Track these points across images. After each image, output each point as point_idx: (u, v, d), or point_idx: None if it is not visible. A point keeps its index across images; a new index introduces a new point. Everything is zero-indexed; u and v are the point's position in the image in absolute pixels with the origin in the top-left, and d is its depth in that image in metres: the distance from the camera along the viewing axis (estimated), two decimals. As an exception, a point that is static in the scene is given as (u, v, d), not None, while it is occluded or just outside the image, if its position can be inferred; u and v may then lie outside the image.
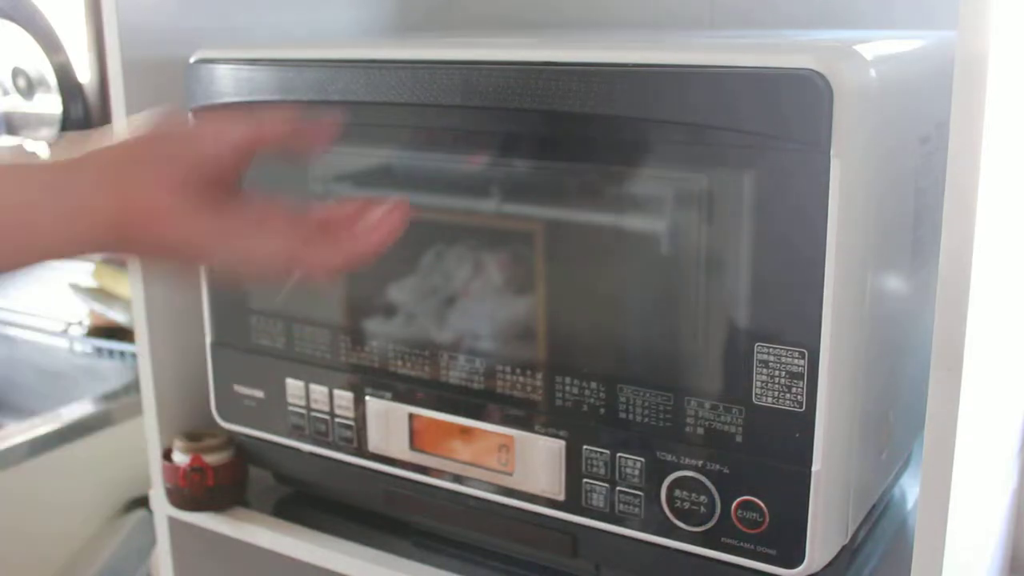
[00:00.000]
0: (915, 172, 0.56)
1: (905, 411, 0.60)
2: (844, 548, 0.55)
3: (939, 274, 0.45)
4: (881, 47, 0.52)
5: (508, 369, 0.59)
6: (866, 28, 0.74)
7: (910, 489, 0.69)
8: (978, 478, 0.55)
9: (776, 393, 0.51)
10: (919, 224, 0.57)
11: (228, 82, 0.65)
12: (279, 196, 0.50)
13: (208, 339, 0.72)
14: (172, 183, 0.46)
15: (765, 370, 0.51)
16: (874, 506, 0.60)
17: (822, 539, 0.52)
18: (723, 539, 0.54)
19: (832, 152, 0.47)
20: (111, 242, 0.46)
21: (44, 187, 0.46)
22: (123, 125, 0.68)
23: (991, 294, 0.49)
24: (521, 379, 0.59)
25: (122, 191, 0.46)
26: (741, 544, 0.53)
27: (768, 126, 0.49)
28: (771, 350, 0.51)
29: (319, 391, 0.67)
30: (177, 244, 0.47)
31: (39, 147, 0.97)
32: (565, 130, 0.55)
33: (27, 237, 0.45)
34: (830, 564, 0.54)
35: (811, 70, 0.47)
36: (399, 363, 0.63)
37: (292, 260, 0.49)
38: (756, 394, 0.51)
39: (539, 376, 0.58)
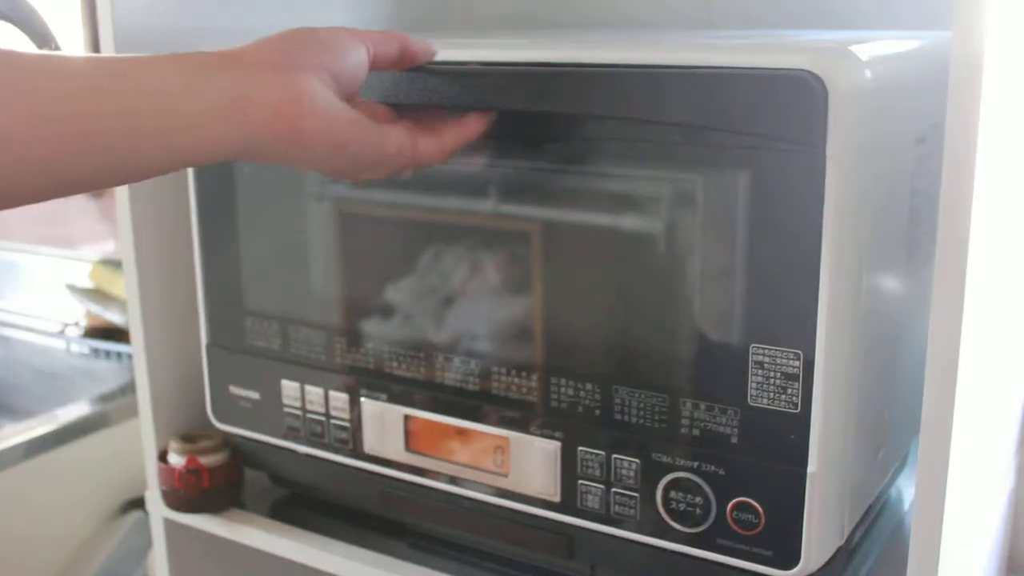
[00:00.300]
0: (911, 172, 0.56)
1: (902, 411, 0.60)
2: (840, 548, 0.55)
3: (934, 274, 0.45)
4: (877, 47, 0.52)
5: (503, 370, 0.59)
6: (866, 28, 0.74)
7: (907, 489, 0.68)
8: (975, 478, 0.55)
9: (771, 394, 0.51)
10: (915, 224, 0.57)
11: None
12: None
13: (203, 340, 0.72)
14: (325, 81, 0.49)
15: (760, 371, 0.51)
16: (871, 506, 0.60)
17: (818, 540, 0.52)
18: (719, 540, 0.54)
19: (827, 153, 0.47)
20: (259, 139, 0.47)
21: (201, 77, 0.46)
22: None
23: (987, 294, 0.49)
24: (516, 380, 0.59)
25: (276, 85, 0.47)
26: (737, 545, 0.53)
27: (762, 127, 0.48)
28: (766, 351, 0.51)
29: (314, 392, 0.67)
30: (326, 139, 0.49)
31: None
32: (559, 131, 0.55)
33: (180, 137, 0.45)
34: (826, 564, 0.54)
35: (805, 70, 0.47)
36: (394, 364, 0.63)
37: (412, 150, 0.53)
38: (751, 395, 0.51)
39: (534, 377, 0.58)
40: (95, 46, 0.87)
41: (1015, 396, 0.67)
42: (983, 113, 0.43)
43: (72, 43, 0.97)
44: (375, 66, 0.53)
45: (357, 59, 0.52)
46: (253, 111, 0.47)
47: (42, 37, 0.98)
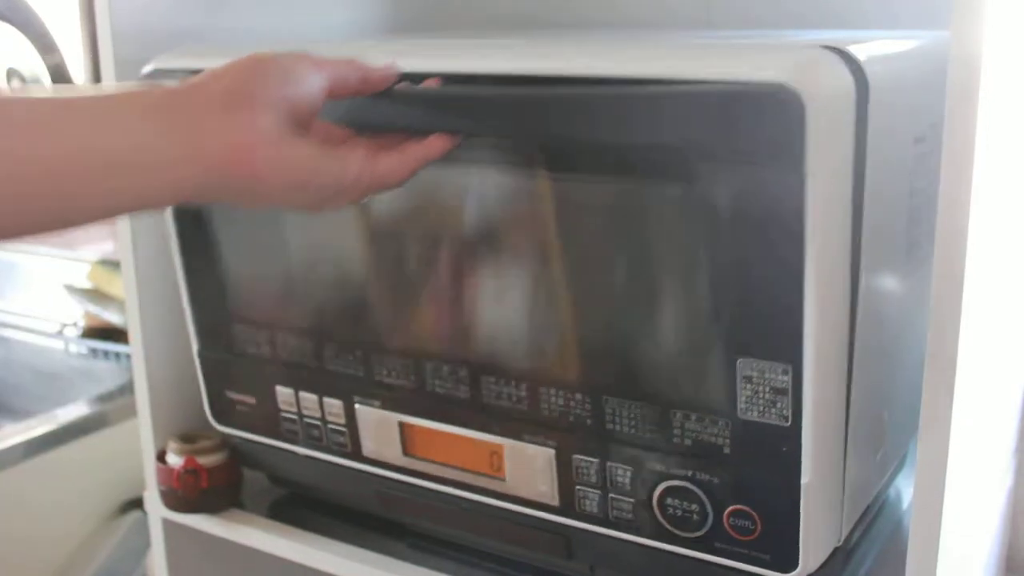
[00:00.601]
0: (910, 172, 0.56)
1: (900, 412, 0.60)
2: (839, 549, 0.55)
3: (933, 274, 0.45)
4: (874, 47, 0.52)
5: (495, 379, 0.59)
6: (866, 27, 0.74)
7: (906, 489, 0.68)
8: (973, 477, 0.55)
9: (761, 408, 0.51)
10: (914, 224, 0.57)
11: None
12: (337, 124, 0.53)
13: (195, 347, 0.72)
14: (281, 114, 0.47)
15: (749, 385, 0.51)
16: (869, 506, 0.60)
17: (815, 543, 0.52)
18: (717, 544, 0.54)
19: (807, 170, 0.45)
20: (212, 184, 0.46)
21: (144, 128, 0.45)
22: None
23: (985, 294, 0.49)
24: (508, 389, 0.58)
25: (227, 129, 0.46)
26: (735, 549, 0.53)
27: (737, 143, 0.46)
28: (754, 365, 0.50)
29: (309, 398, 0.67)
30: (283, 180, 0.47)
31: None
32: (535, 147, 0.54)
33: (126, 182, 0.45)
34: (824, 565, 0.54)
35: (780, 84, 0.44)
36: (385, 372, 0.63)
37: (371, 174, 0.51)
38: (741, 408, 0.51)
39: (525, 386, 0.58)
40: (93, 46, 0.87)
41: (1014, 395, 0.67)
42: (982, 112, 0.43)
43: (71, 43, 0.97)
44: (334, 95, 0.51)
45: (316, 88, 0.50)
46: (205, 159, 0.45)
47: (40, 37, 0.98)
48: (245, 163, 0.46)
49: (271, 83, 0.48)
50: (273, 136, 0.47)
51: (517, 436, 0.59)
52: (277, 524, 0.72)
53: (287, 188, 0.48)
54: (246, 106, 0.46)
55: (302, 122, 0.49)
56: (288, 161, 0.47)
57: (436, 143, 0.52)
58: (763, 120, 0.45)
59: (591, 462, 0.56)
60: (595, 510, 0.57)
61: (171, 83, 0.48)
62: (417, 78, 0.54)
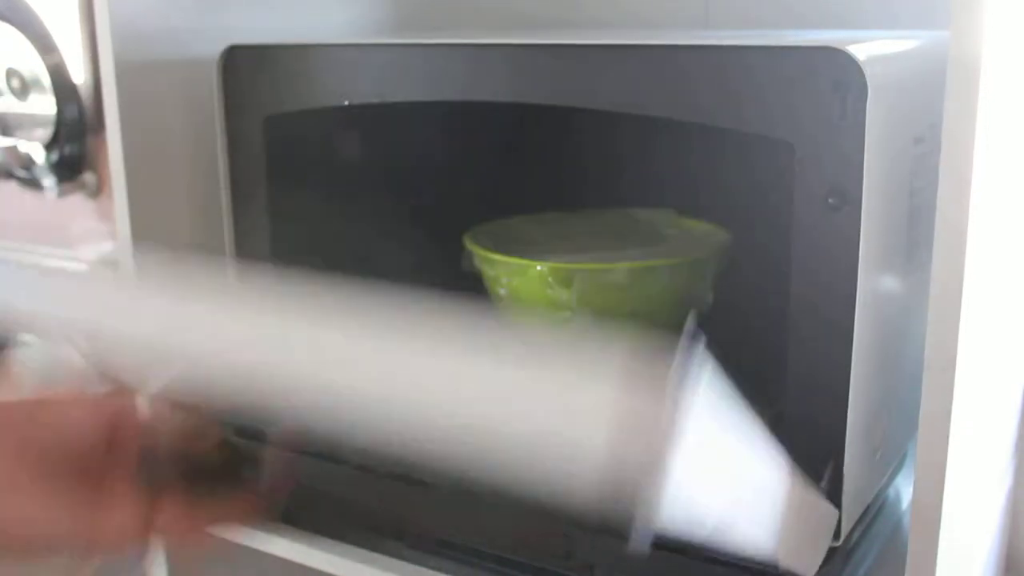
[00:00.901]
0: (909, 172, 0.56)
1: (900, 411, 0.60)
2: (838, 549, 0.55)
3: (933, 274, 0.45)
4: (874, 47, 0.52)
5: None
6: (865, 27, 0.74)
7: (905, 489, 0.68)
8: (973, 478, 0.55)
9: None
10: (913, 224, 0.57)
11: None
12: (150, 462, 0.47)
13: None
14: (16, 468, 0.43)
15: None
16: (868, 506, 0.60)
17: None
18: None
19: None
20: None
21: None
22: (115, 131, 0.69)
23: (985, 294, 0.49)
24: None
25: None
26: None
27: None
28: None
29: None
30: (21, 539, 0.44)
31: (33, 148, 0.96)
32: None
33: None
34: (823, 565, 0.54)
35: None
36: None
37: (149, 534, 0.47)
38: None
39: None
40: (92, 46, 0.87)
41: (1013, 396, 0.67)
42: (981, 113, 0.43)
43: (71, 43, 0.97)
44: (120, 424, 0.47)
45: (85, 434, 0.46)
46: None
47: (39, 37, 0.97)
48: None
49: (25, 434, 0.44)
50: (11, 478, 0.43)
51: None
52: (278, 524, 0.72)
53: (32, 547, 0.44)
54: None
55: (67, 468, 0.45)
56: (28, 521, 0.43)
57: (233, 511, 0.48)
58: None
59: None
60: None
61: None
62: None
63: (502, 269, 0.71)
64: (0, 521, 0.42)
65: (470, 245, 0.74)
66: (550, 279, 0.68)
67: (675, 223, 0.82)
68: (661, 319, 0.71)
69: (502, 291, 0.72)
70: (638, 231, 0.81)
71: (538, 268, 0.69)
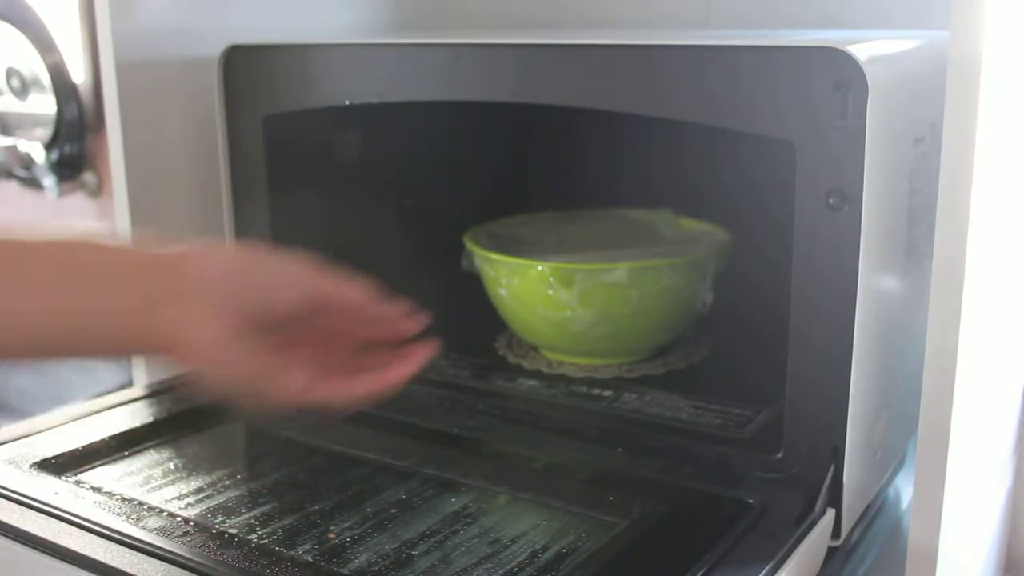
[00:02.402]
0: (909, 172, 0.56)
1: (900, 411, 0.60)
2: (838, 549, 0.55)
3: (932, 274, 0.45)
4: (875, 47, 0.52)
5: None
6: (865, 27, 0.74)
7: (905, 488, 0.68)
8: (972, 478, 0.55)
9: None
10: (914, 224, 0.57)
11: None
12: (318, 324, 0.52)
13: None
14: (228, 325, 0.48)
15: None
16: (868, 506, 0.60)
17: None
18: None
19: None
20: (158, 356, 0.51)
21: (120, 294, 0.47)
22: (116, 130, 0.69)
23: (985, 294, 0.49)
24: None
25: (182, 322, 0.47)
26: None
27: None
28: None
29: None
30: (214, 376, 0.49)
31: (33, 147, 0.96)
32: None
33: (93, 335, 0.48)
34: (824, 565, 0.54)
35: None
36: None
37: (312, 398, 0.51)
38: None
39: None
40: (93, 45, 0.87)
41: (1013, 395, 0.67)
42: (980, 113, 0.43)
43: (71, 43, 0.97)
44: (323, 305, 0.52)
45: (289, 302, 0.50)
46: (156, 341, 0.48)
47: (39, 36, 0.97)
48: (188, 357, 0.48)
49: (242, 290, 0.49)
50: (219, 342, 0.48)
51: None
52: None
53: (222, 385, 0.50)
54: (205, 308, 0.48)
55: (265, 327, 0.49)
56: (226, 365, 0.49)
57: (392, 376, 0.52)
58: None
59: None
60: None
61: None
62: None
63: (503, 269, 0.71)
64: (204, 358, 0.48)
65: (470, 245, 0.74)
66: (551, 279, 0.68)
67: (673, 223, 0.82)
68: (662, 318, 0.71)
69: (502, 291, 0.72)
70: (637, 231, 0.81)
71: (539, 268, 0.69)
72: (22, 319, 0.46)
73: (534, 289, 0.69)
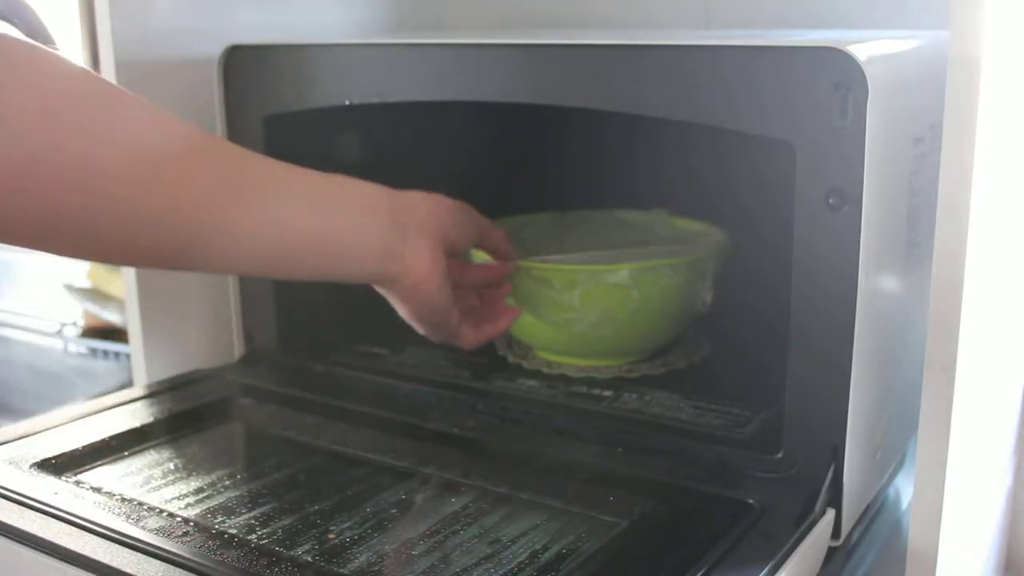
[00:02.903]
0: (909, 172, 0.56)
1: (900, 411, 0.60)
2: (838, 549, 0.55)
3: (932, 274, 0.45)
4: (875, 47, 0.52)
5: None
6: (865, 27, 0.74)
7: (905, 488, 0.68)
8: (972, 478, 0.55)
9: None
10: (913, 225, 0.57)
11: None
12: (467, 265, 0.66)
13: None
14: (445, 257, 0.58)
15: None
16: (868, 507, 0.60)
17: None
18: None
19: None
20: (384, 280, 0.58)
21: (365, 222, 0.56)
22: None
23: (985, 294, 0.49)
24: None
25: (420, 252, 0.56)
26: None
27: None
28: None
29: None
30: (428, 303, 0.58)
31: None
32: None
33: (336, 259, 0.55)
34: (824, 565, 0.54)
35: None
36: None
37: (458, 331, 0.63)
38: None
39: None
40: (92, 45, 0.87)
41: (1013, 395, 0.67)
42: (980, 113, 0.43)
43: (71, 43, 0.98)
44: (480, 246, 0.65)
45: (471, 241, 0.62)
46: (395, 267, 0.57)
47: (39, 36, 0.98)
48: (420, 285, 0.57)
49: (457, 228, 0.59)
50: (442, 272, 0.58)
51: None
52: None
53: (429, 311, 0.59)
54: (439, 240, 0.58)
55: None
56: (440, 293, 0.58)
57: (501, 324, 0.66)
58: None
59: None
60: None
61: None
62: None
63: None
64: (425, 284, 0.57)
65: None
66: (554, 281, 0.68)
67: (669, 223, 0.82)
68: (663, 318, 0.71)
69: None
70: (633, 232, 0.81)
71: (541, 270, 0.69)
72: (299, 236, 0.53)
73: (536, 291, 0.69)
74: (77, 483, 0.58)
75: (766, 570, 0.48)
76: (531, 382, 0.71)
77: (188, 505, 0.56)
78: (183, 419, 0.67)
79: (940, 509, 0.47)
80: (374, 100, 0.65)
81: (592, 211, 0.86)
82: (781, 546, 0.50)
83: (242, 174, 0.52)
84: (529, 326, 0.72)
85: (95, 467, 0.60)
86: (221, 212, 0.50)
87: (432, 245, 0.57)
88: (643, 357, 0.74)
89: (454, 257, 0.61)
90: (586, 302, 0.68)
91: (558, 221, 0.84)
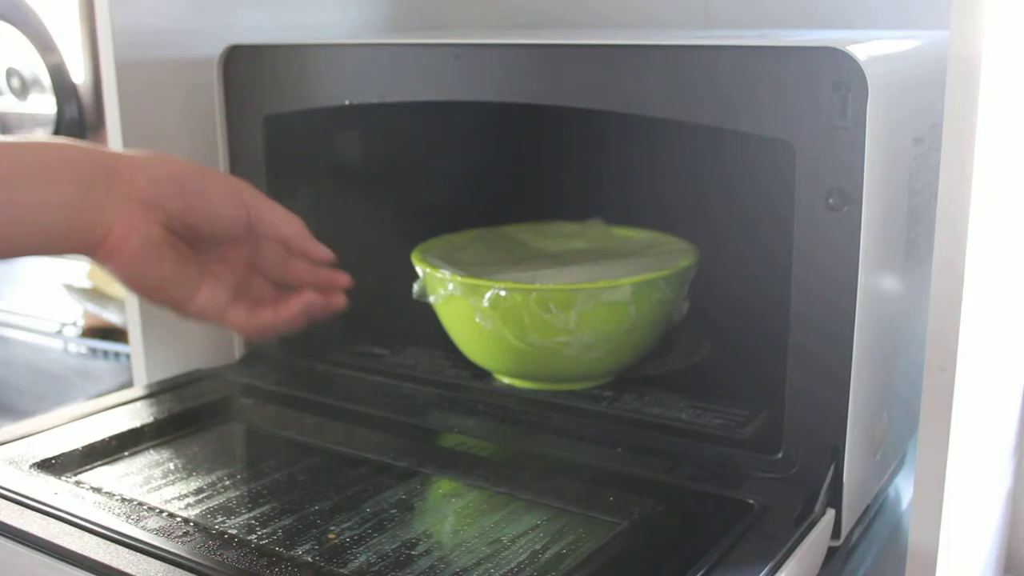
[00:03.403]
0: (909, 172, 0.56)
1: (900, 411, 0.60)
2: (838, 549, 0.55)
3: (932, 274, 0.45)
4: (876, 47, 0.52)
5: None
6: (865, 27, 0.74)
7: (905, 489, 0.68)
8: (972, 478, 0.55)
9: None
10: (913, 224, 0.57)
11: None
12: (244, 249, 0.55)
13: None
14: (158, 228, 0.51)
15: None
16: (868, 506, 0.60)
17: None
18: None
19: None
20: (76, 250, 0.51)
21: (61, 192, 0.49)
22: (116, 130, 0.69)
23: (984, 294, 0.49)
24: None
25: (119, 219, 0.50)
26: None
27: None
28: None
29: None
30: (128, 274, 0.51)
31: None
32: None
33: (24, 230, 0.49)
34: (824, 565, 0.54)
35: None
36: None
37: (221, 319, 0.54)
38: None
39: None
40: (93, 45, 0.87)
41: (1013, 395, 0.67)
42: (980, 113, 0.43)
43: (70, 43, 0.98)
44: (254, 226, 0.55)
45: (221, 215, 0.53)
46: (87, 235, 0.50)
47: (39, 36, 0.98)
48: (113, 255, 0.50)
49: (186, 199, 0.52)
50: (144, 241, 0.50)
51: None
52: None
53: (133, 282, 0.52)
54: (151, 209, 0.51)
55: (195, 238, 0.53)
56: (140, 263, 0.51)
57: (288, 310, 0.56)
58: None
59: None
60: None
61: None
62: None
63: (480, 295, 0.65)
64: (124, 259, 0.50)
65: (433, 271, 0.68)
66: (549, 302, 0.64)
67: (607, 233, 0.80)
68: (652, 333, 0.69)
69: (481, 320, 0.66)
70: (576, 244, 0.79)
71: (537, 291, 0.64)
72: None
73: (522, 315, 0.65)
74: (77, 483, 0.58)
75: (766, 570, 0.48)
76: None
77: (188, 505, 0.56)
78: (183, 419, 0.68)
79: (940, 509, 0.47)
80: (374, 100, 0.64)
81: (524, 225, 0.82)
82: (781, 546, 0.50)
83: None
84: (507, 354, 0.68)
85: (95, 467, 0.60)
86: None
87: (135, 211, 0.50)
88: (617, 376, 0.71)
89: (205, 234, 0.53)
90: (582, 323, 0.65)
91: (490, 238, 0.80)
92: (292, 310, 0.56)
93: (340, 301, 0.57)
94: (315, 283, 0.57)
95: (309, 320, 0.56)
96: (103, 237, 0.50)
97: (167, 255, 0.51)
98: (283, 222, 0.55)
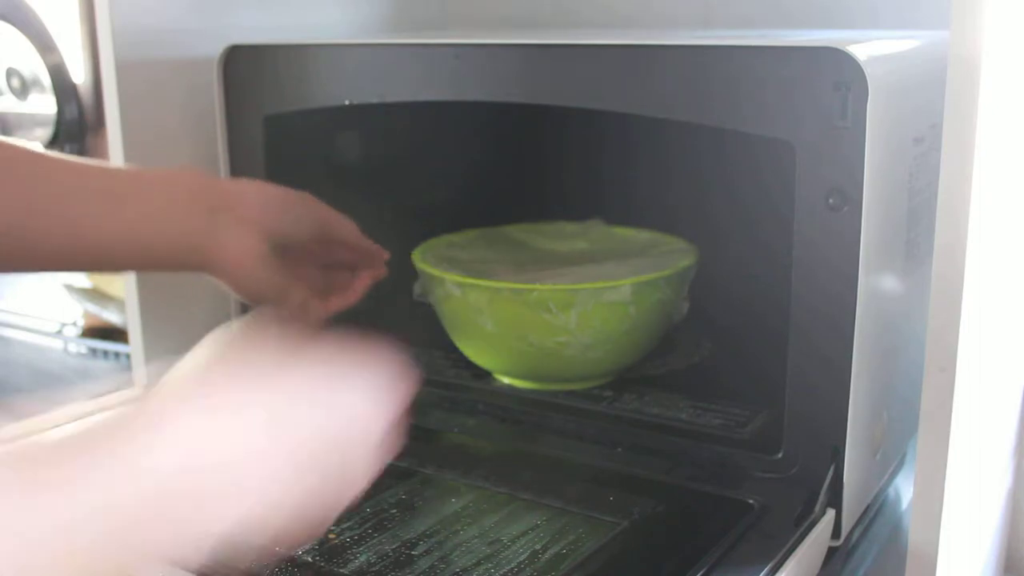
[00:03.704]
0: (909, 172, 0.56)
1: (900, 411, 0.60)
2: (838, 549, 0.55)
3: (932, 274, 0.45)
4: (875, 47, 0.52)
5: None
6: (865, 27, 0.74)
7: (905, 489, 0.68)
8: (972, 478, 0.55)
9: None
10: (913, 224, 0.57)
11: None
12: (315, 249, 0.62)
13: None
14: (265, 245, 0.58)
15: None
16: (868, 506, 0.60)
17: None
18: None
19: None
20: (196, 268, 0.58)
21: (179, 217, 0.56)
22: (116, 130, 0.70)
23: (985, 294, 0.49)
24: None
25: (232, 242, 0.57)
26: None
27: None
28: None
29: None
30: (243, 287, 0.59)
31: (34, 147, 0.96)
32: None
33: (142, 248, 0.56)
34: (824, 565, 0.54)
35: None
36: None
37: (305, 311, 0.61)
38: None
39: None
40: (93, 45, 0.87)
41: (1013, 395, 0.67)
42: (980, 113, 0.43)
43: (71, 43, 0.98)
44: (326, 233, 0.62)
45: (306, 231, 0.61)
46: (207, 256, 0.57)
47: (39, 36, 0.98)
48: (233, 271, 0.58)
49: (289, 217, 0.60)
50: (258, 258, 0.58)
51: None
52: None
53: (250, 294, 0.60)
54: (261, 228, 0.58)
55: (284, 249, 0.60)
56: (256, 278, 0.58)
57: (351, 295, 0.64)
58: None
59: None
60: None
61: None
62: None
63: (483, 296, 0.66)
64: (241, 271, 0.58)
65: (437, 272, 0.68)
66: (550, 302, 0.64)
67: (607, 233, 0.80)
68: (652, 333, 0.70)
69: (483, 321, 0.66)
70: (578, 244, 0.79)
71: (538, 291, 0.64)
72: (99, 233, 0.54)
73: (522, 315, 0.65)
74: (77, 483, 0.58)
75: (766, 570, 0.48)
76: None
77: (188, 505, 0.56)
78: (183, 419, 0.67)
79: (940, 509, 0.47)
80: (374, 100, 0.64)
81: (524, 226, 0.82)
82: (781, 546, 0.50)
83: (31, 177, 0.53)
84: (507, 354, 0.68)
85: (95, 467, 0.60)
86: (9, 217, 0.52)
87: (250, 232, 0.57)
88: (617, 376, 0.71)
89: (291, 244, 0.60)
90: (582, 323, 0.65)
91: (491, 238, 0.80)
92: (357, 294, 0.64)
93: (384, 272, 0.65)
94: (367, 265, 0.65)
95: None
96: (220, 256, 0.57)
97: (271, 266, 0.58)
98: (346, 228, 0.64)
